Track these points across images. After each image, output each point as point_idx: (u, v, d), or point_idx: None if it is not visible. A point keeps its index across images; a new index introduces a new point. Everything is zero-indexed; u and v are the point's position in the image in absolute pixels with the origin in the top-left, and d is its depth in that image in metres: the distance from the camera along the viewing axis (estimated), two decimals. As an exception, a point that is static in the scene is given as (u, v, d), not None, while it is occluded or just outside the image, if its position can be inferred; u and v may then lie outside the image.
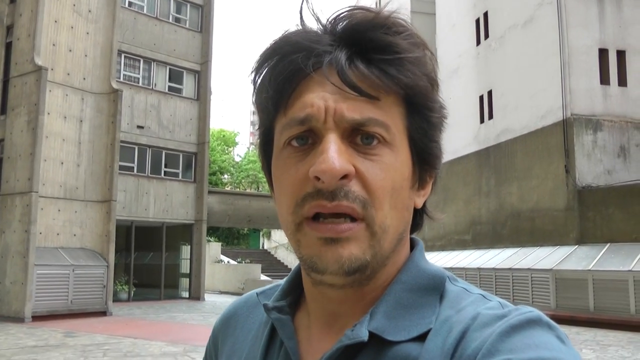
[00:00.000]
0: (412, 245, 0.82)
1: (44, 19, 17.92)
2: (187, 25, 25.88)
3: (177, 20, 25.62)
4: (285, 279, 0.86)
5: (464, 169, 25.87)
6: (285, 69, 0.71)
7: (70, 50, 18.88)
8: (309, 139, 0.71)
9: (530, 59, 21.58)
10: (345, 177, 0.67)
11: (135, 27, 23.82)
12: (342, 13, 0.73)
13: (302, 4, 0.75)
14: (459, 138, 26.41)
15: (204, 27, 26.28)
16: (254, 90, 0.77)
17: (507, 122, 23.01)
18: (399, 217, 0.72)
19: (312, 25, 0.74)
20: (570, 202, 19.28)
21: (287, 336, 0.78)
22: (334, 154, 0.67)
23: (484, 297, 0.73)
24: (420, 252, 0.80)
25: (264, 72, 0.74)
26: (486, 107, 24.75)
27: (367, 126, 0.69)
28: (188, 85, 25.61)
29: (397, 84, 0.70)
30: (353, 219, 0.69)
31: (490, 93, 24.50)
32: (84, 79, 19.13)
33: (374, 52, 0.70)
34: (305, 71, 0.70)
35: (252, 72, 0.76)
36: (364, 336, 0.70)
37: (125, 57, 23.33)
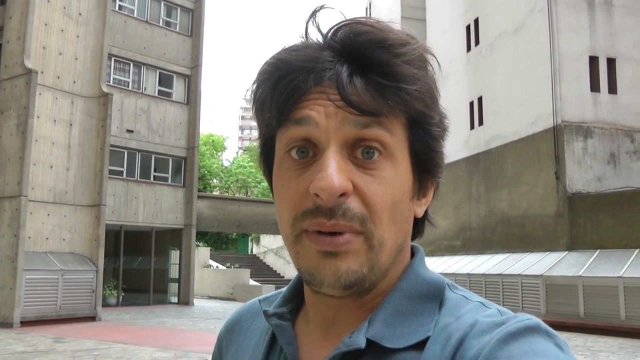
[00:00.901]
0: (413, 252, 0.82)
1: (34, 21, 17.80)
2: (178, 29, 25.80)
3: (168, 24, 25.54)
4: (287, 286, 0.87)
5: (453, 175, 25.92)
6: (287, 88, 0.71)
7: (60, 54, 18.77)
8: (310, 151, 0.71)
9: (521, 66, 21.70)
10: (343, 194, 0.68)
11: (126, 30, 23.72)
12: (343, 25, 0.73)
13: (308, 19, 0.75)
14: (449, 143, 25.38)
15: (195, 31, 26.21)
16: (253, 105, 0.77)
17: (498, 128, 23.10)
18: (397, 229, 0.73)
19: (313, 35, 0.74)
20: (561, 209, 19.36)
21: (287, 342, 0.79)
22: (333, 171, 0.67)
23: (482, 304, 0.73)
24: (420, 260, 0.80)
25: (265, 89, 0.74)
26: (476, 113, 24.85)
27: (367, 140, 0.70)
28: (178, 89, 25.52)
29: (395, 108, 0.70)
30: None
31: (480, 99, 24.60)
32: (74, 82, 19.01)
33: (373, 73, 0.69)
34: (305, 88, 0.70)
35: (252, 87, 0.77)
36: (361, 343, 0.70)
37: (115, 60, 23.23)
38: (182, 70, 25.53)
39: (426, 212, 0.81)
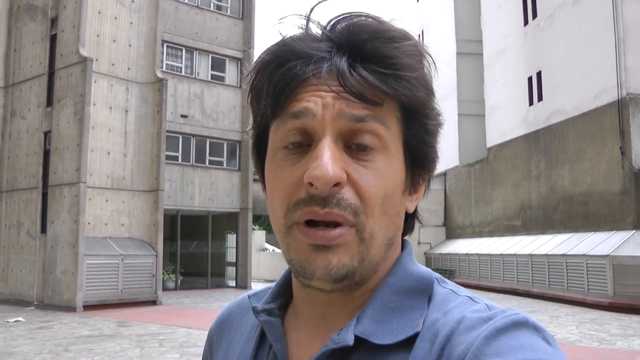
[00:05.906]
0: (403, 247, 0.81)
1: (87, 10, 17.95)
2: (229, 13, 25.72)
3: (219, 8, 25.48)
4: (276, 282, 0.87)
5: (512, 153, 25.29)
6: (284, 76, 0.70)
7: (114, 41, 18.90)
8: (304, 141, 0.71)
9: (582, 37, 20.84)
10: (337, 184, 0.67)
11: (177, 16, 23.78)
12: (342, 18, 0.73)
13: (311, 10, 0.75)
14: (506, 121, 25.81)
15: (245, 14, 26.10)
16: (249, 95, 0.76)
17: (558, 104, 22.31)
18: (388, 223, 0.72)
19: (313, 28, 0.74)
20: (627, 185, 18.61)
21: (275, 338, 0.78)
22: (328, 160, 0.67)
23: (471, 299, 0.73)
24: (409, 255, 0.79)
25: (263, 78, 0.73)
26: (535, 88, 24.05)
27: (362, 132, 0.69)
28: (230, 73, 25.49)
29: (394, 96, 0.70)
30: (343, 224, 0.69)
31: (539, 74, 23.78)
32: (129, 69, 19.13)
33: (372, 63, 0.69)
34: (303, 77, 0.70)
35: (250, 76, 0.75)
36: (350, 340, 0.70)
37: (167, 46, 23.32)
38: (234, 53, 25.46)
39: (416, 209, 0.81)
